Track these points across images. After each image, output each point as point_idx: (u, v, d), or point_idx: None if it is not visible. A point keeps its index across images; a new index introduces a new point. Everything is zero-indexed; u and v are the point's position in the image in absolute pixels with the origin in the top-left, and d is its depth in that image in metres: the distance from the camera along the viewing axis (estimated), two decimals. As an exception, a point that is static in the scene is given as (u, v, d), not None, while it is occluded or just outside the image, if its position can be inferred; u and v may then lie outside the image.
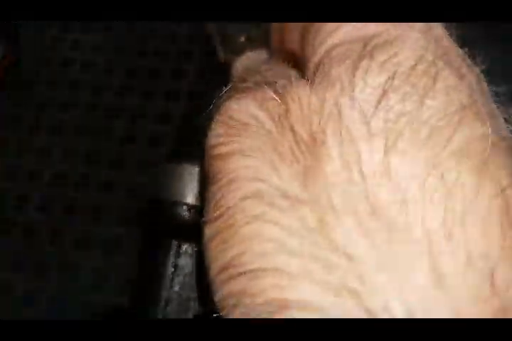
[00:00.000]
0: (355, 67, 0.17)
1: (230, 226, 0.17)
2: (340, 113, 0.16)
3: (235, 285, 0.17)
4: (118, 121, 1.01)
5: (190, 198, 0.33)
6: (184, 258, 0.33)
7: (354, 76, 0.17)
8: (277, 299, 0.16)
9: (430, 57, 0.17)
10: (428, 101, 0.16)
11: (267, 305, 0.16)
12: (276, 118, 0.18)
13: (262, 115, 0.18)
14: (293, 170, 0.17)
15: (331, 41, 0.19)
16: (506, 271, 0.15)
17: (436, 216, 0.15)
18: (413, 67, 0.17)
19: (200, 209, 0.31)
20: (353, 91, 0.17)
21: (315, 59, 0.19)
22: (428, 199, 0.15)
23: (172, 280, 0.32)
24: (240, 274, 0.17)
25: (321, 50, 0.19)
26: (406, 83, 0.16)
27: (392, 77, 0.16)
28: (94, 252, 0.99)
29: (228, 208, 0.17)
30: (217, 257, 0.17)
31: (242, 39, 0.28)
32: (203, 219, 0.19)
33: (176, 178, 0.33)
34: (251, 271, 0.16)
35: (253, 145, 0.18)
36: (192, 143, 0.35)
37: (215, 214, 0.18)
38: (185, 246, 0.33)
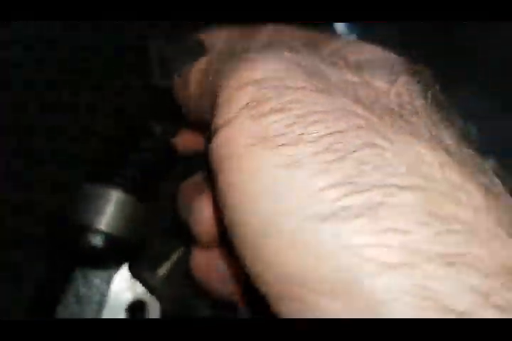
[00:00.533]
0: (412, 74, 0.20)
1: (334, 151, 0.17)
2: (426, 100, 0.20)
3: (358, 199, 0.17)
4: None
5: (104, 224, 0.29)
6: (86, 287, 0.30)
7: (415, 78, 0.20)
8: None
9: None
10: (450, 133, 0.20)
11: None
12: (347, 82, 0.19)
13: (328, 74, 0.19)
14: (382, 119, 0.18)
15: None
16: None
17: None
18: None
19: (111, 238, 0.29)
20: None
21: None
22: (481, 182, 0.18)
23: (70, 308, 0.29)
24: (367, 190, 0.17)
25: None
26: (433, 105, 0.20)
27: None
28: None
29: (321, 136, 0.17)
30: (319, 176, 0.17)
31: (179, 64, 0.27)
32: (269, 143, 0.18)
33: (92, 201, 0.29)
34: (383, 187, 0.17)
35: (331, 89, 0.18)
36: (113, 164, 0.31)
37: (303, 140, 0.17)
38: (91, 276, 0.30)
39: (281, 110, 0.18)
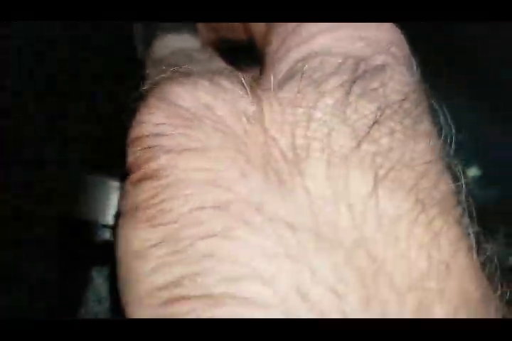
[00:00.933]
0: (349, 88, 0.16)
1: (182, 238, 0.15)
2: (329, 134, 0.15)
3: (182, 308, 0.14)
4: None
5: (111, 217, 0.28)
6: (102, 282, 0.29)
7: (348, 96, 0.16)
8: None
9: (413, 97, 0.17)
10: (411, 145, 0.16)
11: None
12: (244, 118, 0.16)
13: (220, 108, 0.16)
14: (266, 180, 0.15)
15: (307, 47, 0.18)
16: None
17: (422, 265, 0.14)
18: (400, 104, 0.16)
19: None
20: (345, 112, 0.16)
21: (288, 60, 0.18)
22: (415, 242, 0.14)
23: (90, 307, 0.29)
24: (196, 298, 0.14)
25: (297, 54, 0.18)
26: (393, 118, 0.16)
27: (383, 108, 0.16)
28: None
29: (181, 215, 0.15)
30: (158, 271, 0.15)
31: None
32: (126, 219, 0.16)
33: (93, 193, 0.28)
34: (214, 296, 0.14)
35: (211, 144, 0.16)
36: (113, 153, 0.31)
37: (154, 220, 0.15)
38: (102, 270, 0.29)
39: (151, 177, 0.16)
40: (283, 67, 0.18)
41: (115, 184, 0.28)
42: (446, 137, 0.17)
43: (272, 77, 0.18)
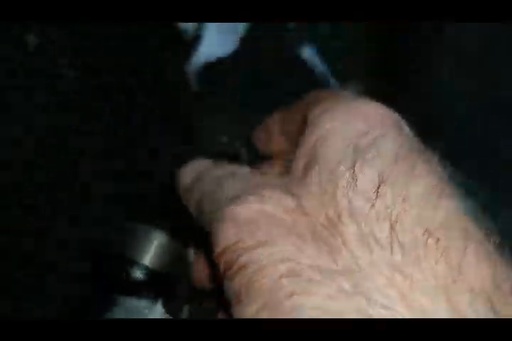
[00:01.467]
0: (352, 166, 0.23)
1: (272, 303, 0.20)
2: (350, 203, 0.22)
3: None
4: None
5: (146, 260, 0.33)
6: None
7: (354, 172, 0.22)
8: None
9: (404, 152, 0.23)
10: (412, 187, 0.22)
11: None
12: (289, 211, 0.23)
13: (269, 210, 0.23)
14: (317, 248, 0.21)
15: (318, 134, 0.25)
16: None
17: (443, 269, 0.20)
18: (395, 161, 0.22)
19: (151, 272, 0.33)
20: (356, 186, 0.22)
21: (306, 147, 0.25)
22: (430, 261, 0.20)
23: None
24: None
25: (312, 141, 0.25)
26: (392, 174, 0.22)
27: (381, 171, 0.22)
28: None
29: (270, 286, 0.21)
30: None
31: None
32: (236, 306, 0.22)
33: (136, 238, 0.34)
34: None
35: (271, 235, 0.22)
36: (156, 205, 0.36)
37: (254, 296, 0.21)
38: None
39: (240, 270, 0.22)
40: (304, 153, 0.25)
41: (153, 232, 0.34)
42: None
43: (298, 172, 0.25)
